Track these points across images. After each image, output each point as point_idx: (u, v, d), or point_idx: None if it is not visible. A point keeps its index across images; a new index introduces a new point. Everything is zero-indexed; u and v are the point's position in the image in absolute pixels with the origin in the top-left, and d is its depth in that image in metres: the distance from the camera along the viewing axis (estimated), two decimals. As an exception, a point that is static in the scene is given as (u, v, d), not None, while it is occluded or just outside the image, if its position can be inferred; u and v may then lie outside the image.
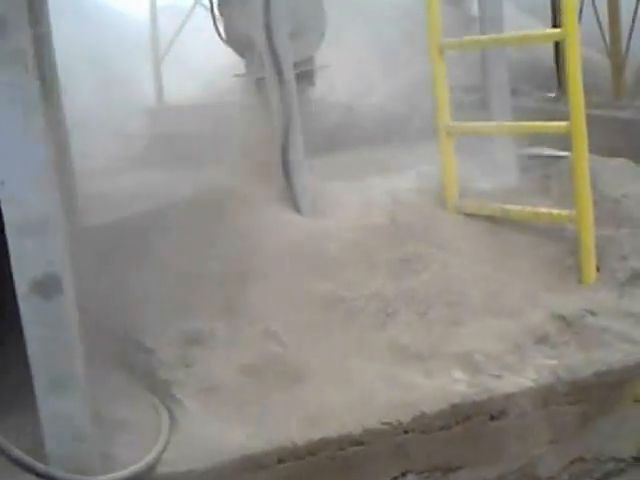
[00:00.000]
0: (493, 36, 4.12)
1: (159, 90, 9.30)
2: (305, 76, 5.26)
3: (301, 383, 3.26)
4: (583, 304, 3.63)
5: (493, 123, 4.08)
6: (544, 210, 3.98)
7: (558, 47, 8.82)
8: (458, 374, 3.29)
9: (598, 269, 3.88)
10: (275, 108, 4.23)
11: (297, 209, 4.32)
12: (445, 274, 3.86)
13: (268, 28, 3.98)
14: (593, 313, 3.58)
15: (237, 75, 5.47)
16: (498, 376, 3.26)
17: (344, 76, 10.76)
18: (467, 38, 4.04)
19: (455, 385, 3.21)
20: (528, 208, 4.05)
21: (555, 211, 3.92)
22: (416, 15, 5.01)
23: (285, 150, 4.24)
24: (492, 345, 3.43)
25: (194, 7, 8.26)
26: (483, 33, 4.66)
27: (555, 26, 8.63)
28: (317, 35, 5.09)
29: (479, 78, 5.20)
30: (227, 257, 3.98)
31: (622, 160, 4.77)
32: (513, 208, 4.09)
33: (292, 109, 4.16)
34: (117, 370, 3.59)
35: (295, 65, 5.12)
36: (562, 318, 3.56)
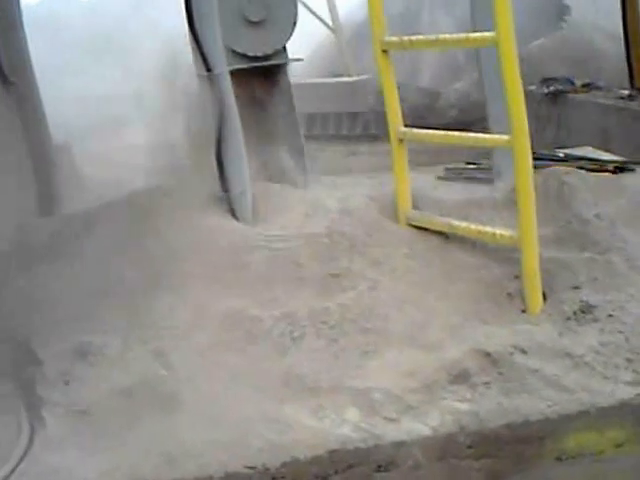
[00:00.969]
0: (430, 37, 3.66)
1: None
2: (277, 68, 4.90)
3: (173, 413, 2.93)
4: (515, 339, 3.17)
5: (441, 132, 3.65)
6: (488, 229, 3.53)
7: (629, 43, 8.19)
8: (350, 414, 2.90)
9: (546, 298, 3.41)
10: (210, 105, 3.89)
11: (233, 214, 3.98)
12: (370, 296, 3.44)
13: (190, 22, 3.63)
14: (524, 351, 3.11)
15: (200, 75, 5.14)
16: (394, 420, 2.86)
17: (429, 62, 10.52)
18: (406, 38, 3.59)
19: (341, 427, 2.83)
20: (473, 225, 3.60)
21: (498, 231, 3.47)
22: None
23: (219, 150, 3.89)
24: (398, 381, 3.01)
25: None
26: (474, 31, 4.25)
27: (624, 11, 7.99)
28: (288, 25, 4.69)
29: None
30: (142, 265, 3.67)
31: (607, 175, 4.27)
32: (460, 224, 3.65)
33: (225, 106, 3.81)
34: (3, 381, 3.35)
35: (266, 57, 4.78)
36: (487, 355, 3.11)
